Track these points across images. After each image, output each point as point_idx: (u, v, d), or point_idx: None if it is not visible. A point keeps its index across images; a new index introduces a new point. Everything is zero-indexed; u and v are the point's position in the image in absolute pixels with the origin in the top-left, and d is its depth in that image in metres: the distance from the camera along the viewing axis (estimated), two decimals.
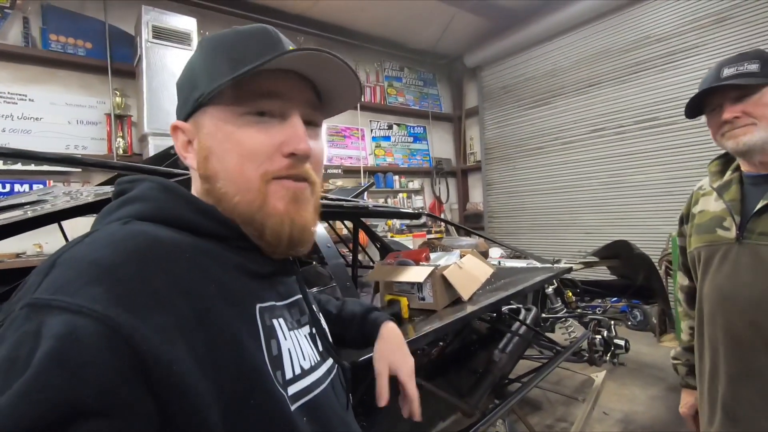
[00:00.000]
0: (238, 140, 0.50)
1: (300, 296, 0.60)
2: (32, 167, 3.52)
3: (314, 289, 1.80)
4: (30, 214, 0.86)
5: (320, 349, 0.59)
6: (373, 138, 6.10)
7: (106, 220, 0.47)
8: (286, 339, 0.51)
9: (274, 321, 0.51)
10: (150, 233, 0.44)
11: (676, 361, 1.33)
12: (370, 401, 0.85)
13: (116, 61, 3.97)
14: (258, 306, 0.49)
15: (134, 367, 0.34)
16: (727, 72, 1.01)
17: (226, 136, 0.50)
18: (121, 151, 3.93)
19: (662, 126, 4.44)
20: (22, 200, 1.25)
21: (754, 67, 0.98)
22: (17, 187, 3.53)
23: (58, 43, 3.77)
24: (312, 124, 0.56)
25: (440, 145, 6.89)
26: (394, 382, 0.75)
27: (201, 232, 0.49)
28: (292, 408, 0.47)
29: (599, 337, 2.45)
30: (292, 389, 0.49)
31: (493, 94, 6.31)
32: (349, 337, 0.82)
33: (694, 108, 1.11)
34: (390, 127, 6.30)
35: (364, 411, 0.84)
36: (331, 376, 0.59)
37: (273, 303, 0.53)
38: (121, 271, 0.38)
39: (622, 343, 2.47)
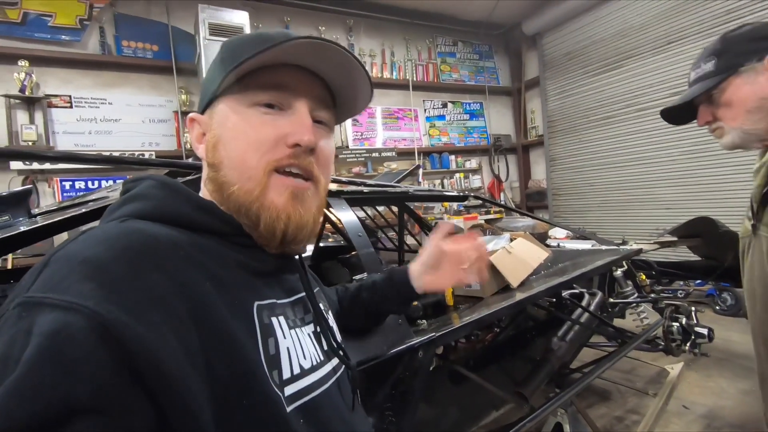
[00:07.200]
0: (243, 129, 0.51)
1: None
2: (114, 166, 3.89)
3: (363, 275, 1.80)
4: (84, 209, 0.94)
5: (325, 348, 0.58)
6: (427, 118, 5.96)
7: (107, 219, 0.48)
8: (285, 338, 0.50)
9: (273, 319, 0.50)
10: (145, 231, 0.43)
11: None
12: (400, 396, 0.83)
13: (180, 60, 4.22)
14: (256, 304, 0.48)
15: (125, 364, 0.34)
16: (691, 76, 1.01)
17: (233, 124, 0.52)
18: (188, 146, 4.20)
19: None
20: (91, 197, 1.37)
21: (709, 66, 0.95)
22: (104, 183, 3.94)
23: (129, 48, 4.10)
24: (322, 123, 0.56)
25: (498, 120, 6.57)
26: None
27: (201, 229, 0.49)
28: (288, 409, 0.46)
29: (677, 324, 2.21)
30: (290, 389, 0.48)
31: (556, 61, 5.86)
32: (388, 301, 0.82)
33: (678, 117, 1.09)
34: (444, 106, 6.11)
35: (394, 406, 0.83)
36: (337, 375, 0.57)
37: (273, 300, 0.52)
38: (113, 268, 0.38)
39: (704, 331, 2.20)
